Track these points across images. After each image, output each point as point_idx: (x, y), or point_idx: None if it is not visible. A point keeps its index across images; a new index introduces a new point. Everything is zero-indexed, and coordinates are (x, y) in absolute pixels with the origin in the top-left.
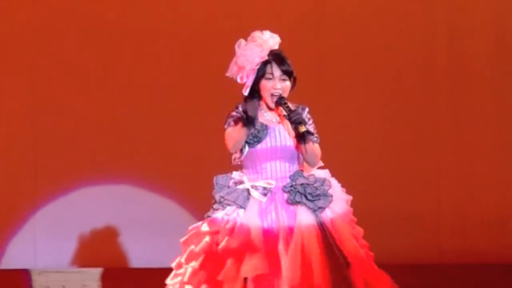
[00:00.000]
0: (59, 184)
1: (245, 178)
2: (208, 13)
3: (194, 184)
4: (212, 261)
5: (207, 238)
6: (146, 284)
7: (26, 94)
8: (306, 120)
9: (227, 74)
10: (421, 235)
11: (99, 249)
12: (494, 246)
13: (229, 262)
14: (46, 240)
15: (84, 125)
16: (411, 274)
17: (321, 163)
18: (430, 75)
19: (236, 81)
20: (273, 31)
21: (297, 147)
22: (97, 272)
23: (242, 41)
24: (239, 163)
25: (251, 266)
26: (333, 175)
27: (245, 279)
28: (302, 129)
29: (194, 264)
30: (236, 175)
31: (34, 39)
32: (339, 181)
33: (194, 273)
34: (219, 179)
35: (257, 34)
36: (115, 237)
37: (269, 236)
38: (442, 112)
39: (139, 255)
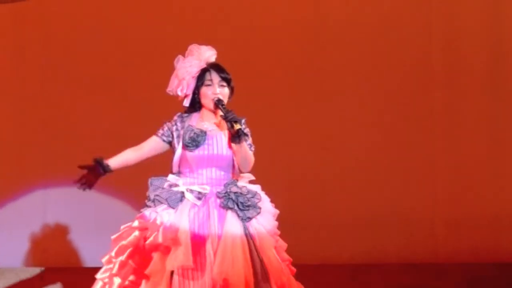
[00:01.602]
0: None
1: (180, 182)
2: (207, 21)
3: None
4: (140, 254)
5: (136, 233)
6: None
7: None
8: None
9: (167, 91)
10: (417, 234)
11: (49, 249)
12: (489, 245)
13: (156, 256)
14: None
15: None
16: (406, 273)
17: (252, 177)
18: (425, 76)
19: (176, 96)
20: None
21: (231, 148)
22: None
23: (180, 57)
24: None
25: (175, 259)
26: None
27: (172, 272)
28: (237, 126)
29: (122, 257)
30: (172, 178)
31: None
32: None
33: (122, 265)
34: (154, 181)
35: (194, 47)
36: (66, 237)
37: (197, 236)
38: (437, 113)
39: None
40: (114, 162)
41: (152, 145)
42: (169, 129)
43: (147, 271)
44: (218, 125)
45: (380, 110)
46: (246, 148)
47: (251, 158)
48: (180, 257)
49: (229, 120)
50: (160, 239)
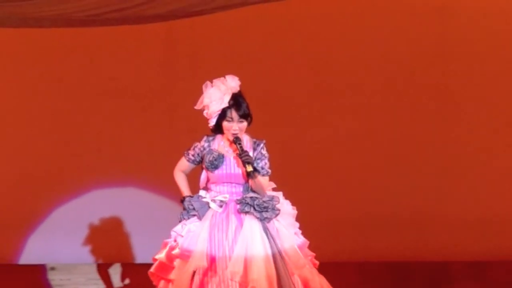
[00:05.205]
0: (72, 187)
1: (207, 195)
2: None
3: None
4: (165, 264)
5: (167, 247)
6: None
7: (45, 104)
8: (260, 155)
9: (195, 107)
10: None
11: (107, 246)
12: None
13: (177, 262)
14: (61, 238)
15: (96, 133)
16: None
17: (273, 185)
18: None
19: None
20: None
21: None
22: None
23: (208, 83)
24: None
25: (192, 262)
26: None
27: (194, 273)
28: (249, 169)
29: (151, 269)
30: (202, 193)
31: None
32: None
33: (151, 275)
34: (189, 198)
35: (218, 82)
36: (122, 235)
37: (215, 239)
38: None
39: (144, 251)
40: (187, 191)
41: (189, 168)
42: (198, 154)
43: (171, 276)
44: (235, 150)
45: (381, 112)
46: (260, 182)
47: (266, 185)
48: (196, 259)
49: (243, 160)
50: (178, 250)
